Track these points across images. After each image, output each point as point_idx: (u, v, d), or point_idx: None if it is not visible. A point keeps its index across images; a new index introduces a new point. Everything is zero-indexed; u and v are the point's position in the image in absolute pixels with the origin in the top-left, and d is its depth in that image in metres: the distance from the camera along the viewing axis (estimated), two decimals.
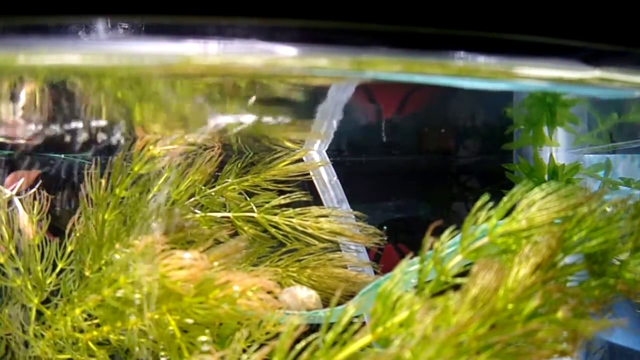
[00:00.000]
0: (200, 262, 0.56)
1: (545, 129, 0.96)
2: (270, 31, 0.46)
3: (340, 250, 0.90)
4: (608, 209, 0.49)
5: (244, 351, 0.52)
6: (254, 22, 0.45)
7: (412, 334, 0.42)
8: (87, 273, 0.70)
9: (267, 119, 0.78)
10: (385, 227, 0.99)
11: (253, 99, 0.69)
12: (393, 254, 1.19)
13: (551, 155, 0.97)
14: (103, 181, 0.73)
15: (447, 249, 0.50)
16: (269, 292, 0.56)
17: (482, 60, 0.47)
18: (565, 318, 0.43)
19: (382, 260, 1.07)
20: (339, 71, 0.52)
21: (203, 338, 0.58)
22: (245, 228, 0.85)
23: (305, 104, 0.82)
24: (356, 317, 0.46)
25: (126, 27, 0.48)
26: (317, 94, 0.86)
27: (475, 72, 0.49)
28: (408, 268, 0.48)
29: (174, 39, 0.47)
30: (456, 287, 0.46)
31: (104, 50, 0.49)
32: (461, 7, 0.44)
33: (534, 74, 0.52)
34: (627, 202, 0.50)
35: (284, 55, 0.48)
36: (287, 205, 0.87)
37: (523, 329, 0.42)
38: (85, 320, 0.66)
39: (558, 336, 0.43)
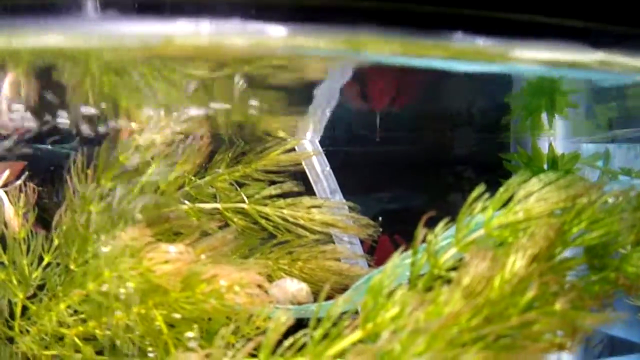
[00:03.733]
0: (187, 255, 0.55)
1: (544, 118, 0.94)
2: (258, 9, 0.44)
3: (333, 242, 0.88)
4: (610, 200, 0.47)
5: (232, 346, 0.51)
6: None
7: (402, 327, 0.40)
8: (72, 267, 0.68)
9: (258, 106, 0.76)
10: (380, 218, 0.97)
11: (242, 83, 0.66)
12: (388, 245, 1.17)
13: (550, 144, 0.95)
14: (89, 172, 0.71)
15: (442, 241, 0.48)
16: (259, 286, 0.55)
17: (479, 42, 0.45)
18: (563, 310, 0.41)
19: (377, 252, 1.05)
20: (332, 51, 0.50)
21: (190, 334, 0.56)
22: (235, 219, 0.83)
23: (298, 92, 0.80)
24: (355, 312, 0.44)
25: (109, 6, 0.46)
26: (309, 82, 0.84)
27: (472, 54, 0.47)
28: (402, 261, 0.46)
29: (159, 19, 0.45)
30: (450, 281, 0.44)
31: (90, 31, 0.47)
32: None
33: (532, 57, 0.49)
34: (629, 193, 0.48)
35: (273, 35, 0.45)
36: (279, 196, 0.85)
37: (519, 320, 0.40)
38: (71, 315, 0.64)
39: (555, 329, 0.41)
